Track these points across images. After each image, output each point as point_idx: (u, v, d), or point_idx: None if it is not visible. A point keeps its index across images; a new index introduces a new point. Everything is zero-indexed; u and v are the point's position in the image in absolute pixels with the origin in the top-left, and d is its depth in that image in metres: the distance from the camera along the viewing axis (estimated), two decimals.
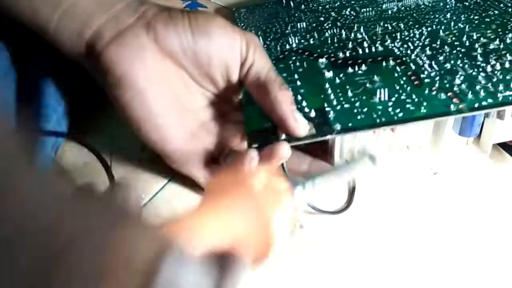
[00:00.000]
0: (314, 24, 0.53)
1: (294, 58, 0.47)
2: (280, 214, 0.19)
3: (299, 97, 0.40)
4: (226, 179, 0.19)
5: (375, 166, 0.25)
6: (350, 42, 0.48)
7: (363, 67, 0.43)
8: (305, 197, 0.20)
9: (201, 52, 0.35)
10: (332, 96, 0.40)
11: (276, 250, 0.20)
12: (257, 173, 0.19)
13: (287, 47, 0.49)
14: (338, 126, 0.36)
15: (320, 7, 0.57)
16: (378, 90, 0.39)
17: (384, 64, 0.43)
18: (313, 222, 0.37)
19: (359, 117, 0.37)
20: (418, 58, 0.44)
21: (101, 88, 0.35)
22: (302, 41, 0.50)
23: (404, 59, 0.44)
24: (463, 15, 0.50)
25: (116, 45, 0.33)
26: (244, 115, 0.39)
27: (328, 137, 0.36)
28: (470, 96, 0.38)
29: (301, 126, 0.35)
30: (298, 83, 0.42)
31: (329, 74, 0.43)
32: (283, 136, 0.36)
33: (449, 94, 0.39)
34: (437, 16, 0.51)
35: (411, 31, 0.49)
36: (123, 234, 0.15)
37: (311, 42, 0.50)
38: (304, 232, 0.36)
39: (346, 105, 0.38)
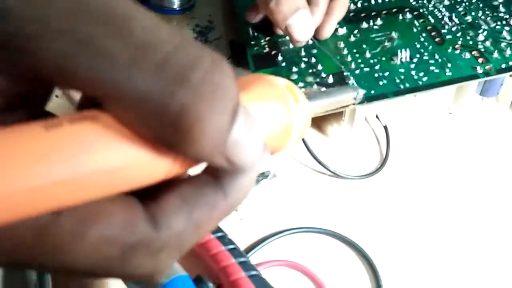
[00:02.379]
0: None
1: None
2: (299, 109, 0.18)
3: (313, 60, 0.36)
4: (247, 77, 0.18)
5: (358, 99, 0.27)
6: None
7: (378, 21, 0.39)
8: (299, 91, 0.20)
9: None
10: (349, 58, 0.36)
11: (292, 144, 0.19)
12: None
13: None
14: (362, 92, 0.33)
15: None
16: (399, 50, 0.36)
17: (400, 17, 0.40)
18: (338, 187, 0.35)
19: (381, 82, 0.34)
20: (436, 10, 0.40)
21: None
22: None
23: (421, 11, 0.40)
24: None
25: None
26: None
27: (351, 106, 0.33)
28: (496, 55, 0.36)
29: None
30: (310, 42, 0.38)
31: (342, 31, 0.39)
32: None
33: (473, 53, 0.36)
34: None
35: None
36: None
37: None
38: (330, 197, 0.35)
39: (366, 69, 0.35)
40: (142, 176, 0.14)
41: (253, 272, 0.28)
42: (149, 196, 0.15)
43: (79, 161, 0.13)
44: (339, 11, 0.37)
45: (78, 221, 0.13)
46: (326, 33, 0.38)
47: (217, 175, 0.15)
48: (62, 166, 0.12)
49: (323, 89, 0.34)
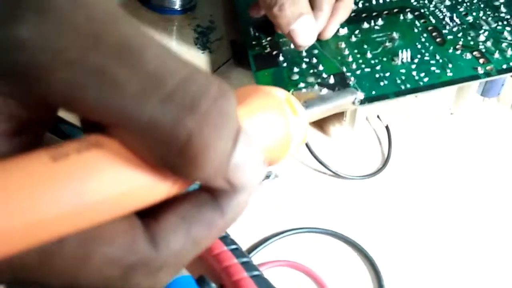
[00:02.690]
0: None
1: None
2: (297, 121, 0.19)
3: (314, 60, 0.36)
4: (246, 88, 0.19)
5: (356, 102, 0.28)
6: None
7: (380, 22, 0.39)
8: (298, 102, 0.21)
9: None
10: (350, 58, 0.36)
11: (290, 154, 0.20)
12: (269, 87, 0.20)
13: None
14: (361, 95, 0.33)
15: None
16: (400, 51, 0.36)
17: (401, 17, 0.40)
18: (340, 188, 0.35)
19: (382, 83, 0.34)
20: (437, 10, 0.40)
21: None
22: None
23: (422, 11, 0.40)
24: None
25: None
26: (255, 82, 0.36)
27: (351, 107, 0.33)
28: (497, 55, 0.36)
29: None
30: None
31: (343, 31, 0.39)
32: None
33: (474, 53, 0.36)
34: None
35: None
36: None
37: None
38: (332, 198, 0.35)
39: (367, 69, 0.35)
40: (145, 199, 0.15)
41: (255, 272, 0.28)
42: (148, 213, 0.15)
43: (87, 192, 0.13)
44: (343, 13, 0.37)
45: (82, 245, 0.14)
46: (328, 34, 0.38)
47: (215, 194, 0.16)
48: (70, 197, 0.13)
49: (324, 90, 0.34)
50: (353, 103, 0.29)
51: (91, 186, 0.13)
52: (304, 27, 0.34)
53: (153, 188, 0.14)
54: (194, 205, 0.16)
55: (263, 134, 0.17)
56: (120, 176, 0.14)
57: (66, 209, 0.13)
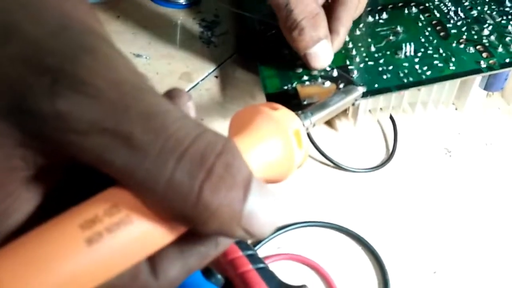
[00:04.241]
0: None
1: None
2: (301, 153, 0.20)
3: None
4: (245, 110, 0.20)
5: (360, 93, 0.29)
6: None
7: (384, 15, 0.40)
8: (305, 134, 0.21)
9: None
10: (354, 52, 0.37)
11: (294, 172, 0.20)
12: (268, 104, 0.20)
13: None
14: (363, 89, 0.33)
15: None
16: (403, 44, 0.36)
17: (406, 11, 0.40)
18: (345, 181, 0.36)
19: (384, 76, 0.35)
20: (442, 4, 0.40)
21: None
22: None
23: (427, 5, 0.40)
24: None
25: None
26: (260, 75, 0.36)
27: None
28: (500, 49, 0.36)
29: None
30: None
31: None
32: (305, 102, 0.33)
33: (478, 47, 0.36)
34: None
35: None
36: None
37: None
38: (336, 191, 0.35)
39: (370, 62, 0.36)
40: (158, 246, 0.16)
41: (261, 265, 0.29)
42: None
43: (118, 267, 0.15)
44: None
45: None
46: None
47: None
48: (101, 274, 0.14)
49: (327, 83, 0.34)
50: (356, 99, 0.29)
51: (122, 262, 0.15)
52: (320, 52, 0.34)
53: (166, 237, 0.16)
54: (191, 238, 0.17)
55: (266, 163, 0.18)
56: (146, 245, 0.15)
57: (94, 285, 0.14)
